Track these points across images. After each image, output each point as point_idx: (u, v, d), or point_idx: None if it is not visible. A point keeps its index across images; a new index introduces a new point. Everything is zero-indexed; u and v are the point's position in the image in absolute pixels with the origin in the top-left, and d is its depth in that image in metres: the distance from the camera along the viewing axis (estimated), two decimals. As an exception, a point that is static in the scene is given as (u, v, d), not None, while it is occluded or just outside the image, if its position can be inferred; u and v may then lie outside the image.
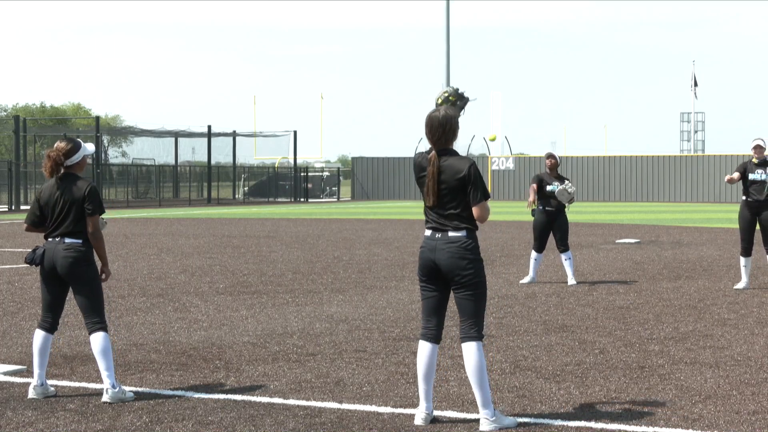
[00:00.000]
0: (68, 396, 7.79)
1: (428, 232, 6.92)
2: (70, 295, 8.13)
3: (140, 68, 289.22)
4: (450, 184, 6.80)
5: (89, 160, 8.57)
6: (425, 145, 79.13)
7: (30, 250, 8.60)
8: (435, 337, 6.99)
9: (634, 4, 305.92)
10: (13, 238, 26.59)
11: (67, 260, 7.64)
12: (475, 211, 6.82)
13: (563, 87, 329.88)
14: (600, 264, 18.55)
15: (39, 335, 7.83)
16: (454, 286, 6.86)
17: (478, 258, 6.87)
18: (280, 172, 69.83)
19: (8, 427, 6.90)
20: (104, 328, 7.70)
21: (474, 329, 6.86)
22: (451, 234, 6.82)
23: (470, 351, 6.84)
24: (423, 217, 39.73)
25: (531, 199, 15.52)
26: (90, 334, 7.70)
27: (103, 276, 7.83)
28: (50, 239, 7.74)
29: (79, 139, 7.92)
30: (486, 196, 6.83)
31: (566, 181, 15.41)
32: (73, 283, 7.70)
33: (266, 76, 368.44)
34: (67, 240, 7.68)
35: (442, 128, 6.85)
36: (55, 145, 7.81)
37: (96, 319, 7.69)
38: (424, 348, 6.98)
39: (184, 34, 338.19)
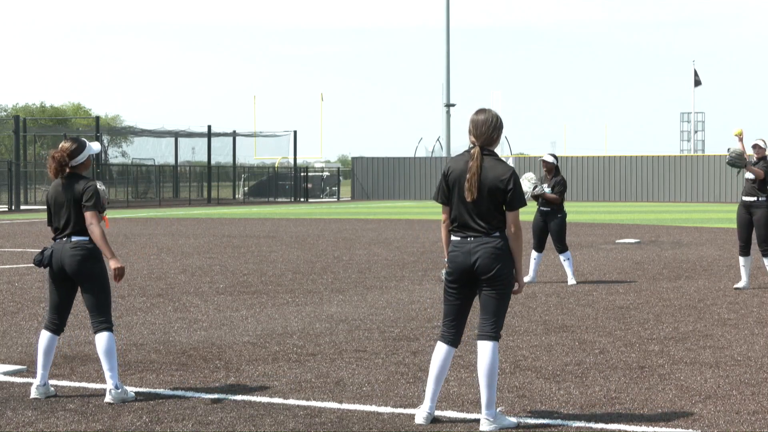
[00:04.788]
0: (68, 396, 7.78)
1: (457, 237, 6.93)
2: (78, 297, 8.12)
3: (140, 68, 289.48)
4: (490, 185, 6.84)
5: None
6: (425, 146, 78.27)
7: (37, 251, 8.60)
8: (454, 341, 7.01)
9: (634, 4, 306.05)
10: (13, 238, 26.58)
11: (74, 258, 7.61)
12: (510, 217, 6.89)
13: (563, 87, 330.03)
14: (600, 264, 18.55)
15: (45, 336, 7.80)
16: (483, 284, 6.88)
17: (511, 258, 6.91)
18: (280, 172, 69.79)
19: (8, 427, 6.90)
20: (109, 329, 7.66)
21: (493, 328, 6.88)
22: (486, 236, 6.84)
23: (485, 350, 6.86)
24: (422, 217, 39.39)
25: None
26: (95, 333, 7.67)
27: (115, 273, 7.58)
28: (57, 240, 7.73)
29: (84, 139, 7.83)
30: (522, 203, 6.90)
31: (530, 178, 15.42)
32: (82, 281, 7.65)
33: (266, 76, 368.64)
34: (74, 238, 7.64)
35: (487, 124, 6.94)
36: (60, 145, 7.77)
37: (102, 318, 7.66)
38: (440, 349, 7.01)
39: (184, 34, 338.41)
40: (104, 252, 7.61)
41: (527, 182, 15.36)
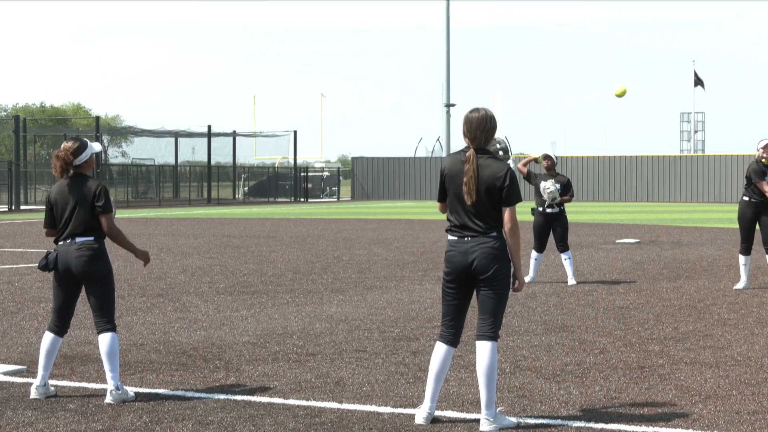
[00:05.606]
0: (68, 396, 7.79)
1: (454, 237, 6.94)
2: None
3: (140, 68, 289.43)
4: (487, 184, 6.85)
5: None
6: (425, 146, 78.11)
7: (37, 251, 8.62)
8: (453, 340, 7.02)
9: (634, 4, 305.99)
10: (13, 238, 26.58)
11: (81, 259, 7.60)
12: (506, 213, 6.89)
13: (563, 87, 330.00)
14: (600, 264, 18.55)
15: (48, 338, 7.80)
16: (481, 284, 6.88)
17: (509, 258, 6.92)
18: (280, 172, 69.82)
19: (8, 427, 6.90)
20: (113, 329, 7.66)
21: (492, 328, 6.89)
22: (484, 236, 6.85)
23: (484, 350, 6.87)
24: (422, 217, 39.33)
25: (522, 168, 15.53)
26: (98, 334, 7.68)
27: (145, 258, 7.96)
28: (61, 242, 7.72)
29: (85, 139, 7.84)
30: (518, 199, 6.91)
31: (550, 181, 15.40)
32: (88, 281, 7.65)
33: (266, 76, 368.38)
34: (78, 239, 7.64)
35: (481, 128, 6.93)
36: (62, 145, 7.78)
37: (105, 319, 7.66)
38: (440, 349, 7.01)
39: (184, 34, 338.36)
40: (132, 251, 7.88)
41: (552, 188, 15.29)
